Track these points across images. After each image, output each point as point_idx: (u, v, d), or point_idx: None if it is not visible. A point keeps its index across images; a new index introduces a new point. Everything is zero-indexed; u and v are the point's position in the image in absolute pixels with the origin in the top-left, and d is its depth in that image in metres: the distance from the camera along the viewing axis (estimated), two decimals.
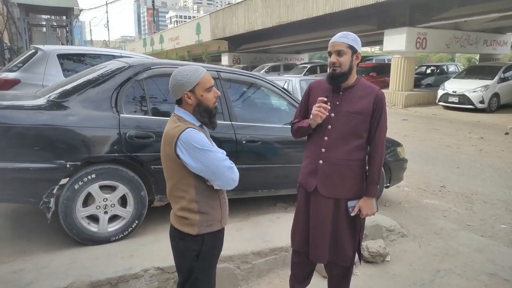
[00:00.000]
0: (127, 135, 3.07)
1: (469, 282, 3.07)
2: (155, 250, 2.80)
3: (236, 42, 25.56)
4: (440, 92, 14.14)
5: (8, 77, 5.40)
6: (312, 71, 18.64)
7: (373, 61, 22.83)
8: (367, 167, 2.23)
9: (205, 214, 1.78)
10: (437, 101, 14.31)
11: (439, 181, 5.84)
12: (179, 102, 1.80)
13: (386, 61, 21.18)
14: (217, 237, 1.87)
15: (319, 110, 2.08)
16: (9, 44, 14.79)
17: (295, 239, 2.37)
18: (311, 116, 2.15)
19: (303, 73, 18.04)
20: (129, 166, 3.15)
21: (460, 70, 18.50)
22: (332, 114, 2.15)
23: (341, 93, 2.17)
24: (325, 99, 2.10)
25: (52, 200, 2.90)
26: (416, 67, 18.97)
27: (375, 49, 47.20)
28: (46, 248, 3.00)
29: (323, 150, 2.18)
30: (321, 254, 2.23)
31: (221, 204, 1.86)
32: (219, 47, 27.61)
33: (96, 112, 3.04)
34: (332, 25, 16.58)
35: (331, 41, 2.14)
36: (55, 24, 15.19)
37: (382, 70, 18.34)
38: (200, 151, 1.67)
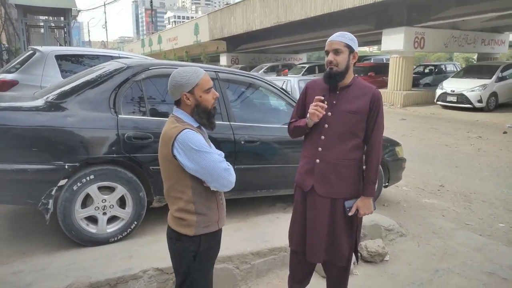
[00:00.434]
0: (126, 136, 3.07)
1: (468, 281, 3.08)
2: (154, 251, 2.80)
3: (234, 43, 25.56)
4: (438, 92, 14.16)
5: (6, 78, 5.39)
6: (310, 71, 18.65)
7: (372, 61, 22.84)
8: (364, 167, 2.24)
9: (202, 215, 1.78)
10: (435, 100, 14.33)
11: (437, 181, 5.85)
12: (178, 103, 1.80)
13: (385, 61, 21.19)
14: (214, 238, 1.87)
15: (316, 109, 2.09)
16: (7, 45, 14.75)
17: (292, 239, 2.37)
18: (308, 115, 2.15)
19: (302, 73, 18.05)
20: (127, 167, 3.15)
21: (458, 70, 18.52)
22: (329, 113, 2.15)
23: (338, 92, 2.18)
24: (322, 97, 2.11)
25: (51, 201, 2.90)
26: (414, 67, 19.01)
27: (373, 49, 47.26)
28: (45, 249, 2.99)
29: (320, 149, 2.18)
30: (317, 253, 2.23)
31: (218, 205, 1.86)
32: (218, 48, 27.61)
33: (95, 113, 3.04)
34: (330, 25, 16.59)
35: (328, 40, 2.15)
36: (53, 25, 15.15)
37: (380, 69, 18.35)
38: (197, 152, 1.67)
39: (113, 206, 3.11)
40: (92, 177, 2.98)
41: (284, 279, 2.82)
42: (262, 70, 21.12)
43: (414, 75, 17.21)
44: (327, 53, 2.14)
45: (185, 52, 29.81)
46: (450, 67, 20.84)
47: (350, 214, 2.18)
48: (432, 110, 13.86)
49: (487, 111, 13.04)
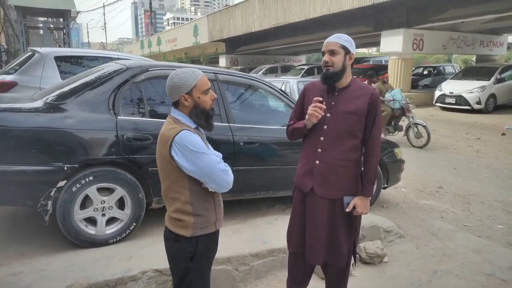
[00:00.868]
0: (125, 137, 3.07)
1: (466, 283, 3.08)
2: (153, 252, 2.80)
3: (233, 44, 25.59)
4: (437, 93, 14.19)
5: (5, 79, 5.39)
6: (309, 72, 18.66)
7: (370, 63, 22.88)
8: (362, 168, 2.25)
9: (200, 216, 1.78)
10: (434, 102, 14.36)
11: (436, 182, 5.86)
12: (176, 104, 1.80)
13: (383, 63, 21.22)
14: (212, 239, 1.87)
15: (315, 110, 2.11)
16: (6, 47, 14.75)
17: (291, 240, 2.37)
18: (306, 116, 2.17)
19: (301, 74, 18.07)
20: (126, 168, 3.15)
21: (457, 71, 18.56)
22: (328, 114, 2.17)
23: (336, 93, 2.20)
24: (321, 98, 2.13)
25: (50, 202, 2.90)
26: (413, 68, 19.03)
27: (372, 51, 47.35)
28: (44, 251, 2.99)
29: (319, 150, 2.19)
30: (317, 255, 2.24)
31: (216, 207, 1.86)
32: (217, 49, 27.63)
33: (94, 115, 3.04)
34: (329, 27, 16.62)
35: (325, 41, 2.20)
36: (52, 26, 15.15)
37: (379, 71, 18.35)
38: (194, 153, 1.67)
39: (112, 207, 3.11)
40: (91, 178, 2.98)
41: (283, 281, 2.82)
42: (261, 71, 21.13)
43: (412, 76, 17.26)
44: (324, 54, 2.18)
45: (184, 54, 29.84)
46: (448, 69, 20.87)
47: (347, 210, 2.19)
48: (431, 112, 13.88)
49: (486, 113, 13.07)
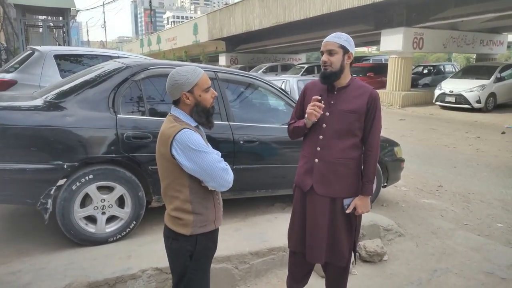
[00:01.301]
0: (125, 135, 3.07)
1: (466, 281, 3.08)
2: (153, 251, 2.80)
3: (233, 43, 25.56)
4: (437, 92, 14.19)
5: (4, 78, 5.38)
6: (309, 71, 18.66)
7: (370, 61, 22.88)
8: (362, 166, 2.25)
9: (199, 215, 1.78)
10: (434, 101, 14.35)
11: (436, 181, 5.86)
12: (176, 102, 1.80)
13: (383, 61, 21.23)
14: (211, 237, 1.87)
15: (314, 109, 2.12)
16: (5, 45, 14.73)
17: (292, 239, 2.38)
18: (306, 115, 2.17)
19: (301, 73, 18.06)
20: (126, 167, 3.15)
21: (457, 70, 18.56)
22: (327, 113, 2.18)
23: (335, 92, 2.20)
24: (319, 98, 2.13)
25: (50, 201, 2.90)
26: (413, 67, 19.02)
27: (372, 49, 47.30)
28: (43, 249, 2.99)
29: (318, 148, 2.20)
30: (318, 254, 2.24)
31: (215, 205, 1.86)
32: (217, 48, 27.61)
33: (94, 113, 3.04)
34: (329, 26, 16.60)
35: (323, 41, 2.20)
36: (52, 24, 15.14)
37: (379, 70, 18.37)
38: (195, 152, 1.67)
39: (112, 205, 3.11)
40: (91, 176, 2.98)
41: (283, 279, 2.82)
42: (261, 70, 21.12)
43: (413, 75, 17.23)
44: (322, 53, 2.19)
45: (184, 52, 29.81)
46: (448, 68, 20.87)
47: (348, 211, 2.19)
48: (431, 111, 13.88)
49: (486, 112, 13.07)
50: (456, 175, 6.21)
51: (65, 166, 2.88)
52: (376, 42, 21.19)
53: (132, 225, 3.20)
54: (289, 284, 2.48)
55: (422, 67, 21.85)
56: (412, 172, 6.19)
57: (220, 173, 1.71)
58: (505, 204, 4.95)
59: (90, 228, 3.05)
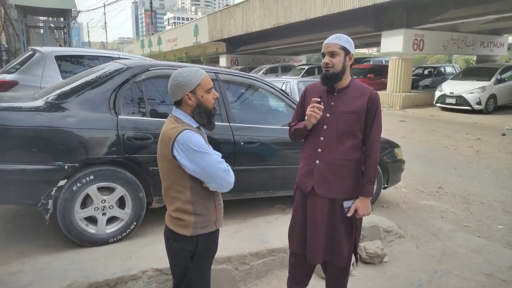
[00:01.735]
0: (125, 136, 3.08)
1: (466, 283, 3.08)
2: (154, 252, 2.80)
3: (234, 44, 25.58)
4: (438, 94, 14.19)
5: (5, 78, 5.39)
6: (310, 72, 18.67)
7: (371, 63, 22.88)
8: (364, 169, 2.25)
9: (200, 216, 1.79)
10: (434, 102, 14.36)
11: (436, 182, 5.86)
12: (178, 103, 1.81)
13: (384, 63, 21.23)
14: (212, 238, 1.88)
15: (313, 110, 2.12)
16: (6, 46, 14.76)
17: (292, 241, 2.38)
18: (306, 117, 2.17)
19: (301, 74, 18.07)
20: (127, 168, 3.15)
21: (457, 72, 18.57)
22: (328, 115, 2.18)
23: (335, 94, 2.21)
24: (319, 99, 2.14)
25: (50, 201, 2.90)
26: (414, 69, 19.03)
27: (372, 51, 47.35)
28: (44, 250, 2.99)
29: (319, 150, 2.20)
30: (318, 255, 2.24)
31: (216, 206, 1.87)
32: (217, 49, 27.63)
33: (94, 114, 3.04)
34: (329, 27, 16.61)
35: (324, 43, 2.20)
36: (53, 25, 15.16)
37: (379, 71, 18.38)
38: (196, 153, 1.67)
39: (112, 206, 3.11)
40: (91, 177, 2.98)
41: (283, 280, 2.82)
42: (262, 71, 21.14)
43: (413, 77, 17.23)
44: (324, 55, 2.19)
45: (185, 53, 29.84)
46: (449, 69, 20.87)
47: (349, 215, 2.19)
48: (431, 112, 13.88)
49: (486, 113, 13.07)
50: (456, 176, 6.21)
51: (66, 167, 2.89)
52: (377, 44, 21.23)
53: (133, 226, 3.20)
54: (289, 285, 2.48)
55: (423, 68, 21.85)
56: (413, 173, 6.19)
57: (221, 174, 1.72)
58: (506, 205, 4.95)
59: (91, 229, 3.05)
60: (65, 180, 2.95)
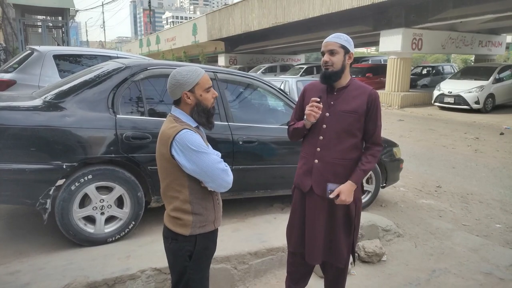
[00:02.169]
0: (124, 136, 3.07)
1: (464, 281, 3.09)
2: (152, 251, 2.80)
3: (232, 43, 25.57)
4: (436, 93, 14.21)
5: (3, 78, 5.38)
6: (308, 72, 18.68)
7: (369, 62, 22.89)
8: (362, 158, 2.22)
9: (199, 215, 1.79)
10: (432, 101, 14.37)
11: (435, 181, 5.87)
12: (177, 102, 1.80)
13: (382, 62, 21.25)
14: (210, 238, 1.88)
15: (312, 109, 2.12)
16: (4, 45, 14.72)
17: (291, 240, 2.38)
18: (305, 117, 2.17)
19: (300, 74, 18.07)
20: (125, 167, 3.15)
21: (456, 71, 18.59)
22: (327, 114, 2.18)
23: (335, 93, 2.21)
24: (318, 99, 2.14)
25: (49, 201, 2.90)
26: (412, 68, 19.05)
27: (371, 50, 47.37)
28: (42, 249, 2.99)
29: (318, 149, 2.20)
30: (316, 255, 2.24)
31: (215, 205, 1.87)
32: (216, 48, 27.61)
33: (93, 113, 3.04)
34: (328, 26, 16.62)
35: (324, 41, 2.20)
36: (51, 24, 15.14)
37: (378, 70, 18.40)
38: (195, 152, 1.67)
39: (111, 206, 3.11)
40: (90, 177, 2.98)
41: (281, 279, 2.82)
42: (260, 70, 21.13)
43: (411, 76, 17.26)
44: (323, 53, 2.19)
45: (183, 53, 29.81)
46: (447, 69, 20.90)
47: (330, 196, 2.14)
48: (430, 111, 13.90)
49: (484, 113, 13.10)
50: (454, 175, 6.23)
51: (64, 166, 2.88)
52: (375, 43, 21.21)
53: (131, 225, 3.20)
54: (287, 285, 2.48)
55: (421, 68, 21.87)
56: (411, 172, 6.20)
57: (219, 174, 1.71)
58: (504, 204, 4.96)
59: (89, 228, 3.05)
60: (63, 180, 2.94)
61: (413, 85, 17.72)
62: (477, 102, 13.08)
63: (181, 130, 1.69)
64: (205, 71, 1.85)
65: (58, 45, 13.70)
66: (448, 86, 14.03)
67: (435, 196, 5.26)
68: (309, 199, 2.24)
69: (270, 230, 3.35)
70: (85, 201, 3.04)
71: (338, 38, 2.16)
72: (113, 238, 3.12)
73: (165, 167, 1.76)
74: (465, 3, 12.80)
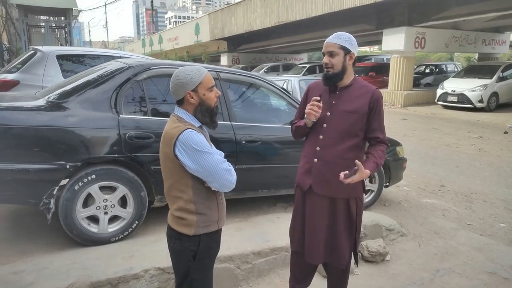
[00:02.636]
0: (127, 135, 3.08)
1: (468, 281, 3.08)
2: (156, 251, 2.80)
3: (235, 42, 25.57)
4: (439, 92, 14.16)
5: (7, 78, 5.40)
6: (311, 71, 18.64)
7: (372, 61, 22.84)
8: (369, 151, 2.20)
9: (202, 215, 1.78)
10: (436, 100, 14.33)
11: (438, 180, 5.85)
12: (180, 102, 1.80)
13: (385, 61, 21.18)
14: (214, 238, 1.88)
15: (312, 108, 2.11)
16: (8, 45, 14.79)
17: (294, 239, 2.37)
18: (305, 115, 2.17)
19: (302, 73, 18.05)
20: (129, 167, 3.15)
21: (459, 70, 18.52)
22: (328, 113, 2.17)
23: (337, 92, 2.19)
24: (318, 98, 2.13)
25: (52, 201, 2.91)
26: (415, 67, 19.00)
27: (374, 49, 47.23)
28: (46, 249, 3.00)
29: (318, 148, 2.20)
30: (316, 254, 2.23)
31: (219, 205, 1.86)
32: (218, 47, 27.62)
33: (96, 113, 3.04)
34: (331, 25, 16.59)
35: (325, 42, 2.18)
36: (54, 25, 15.17)
37: (381, 69, 18.35)
38: (198, 152, 1.67)
39: (114, 205, 3.11)
40: (93, 176, 2.98)
41: (285, 279, 2.82)
42: (263, 70, 21.12)
43: (414, 75, 17.20)
44: (324, 54, 2.17)
45: (186, 52, 29.83)
46: (450, 67, 20.82)
47: (345, 180, 2.03)
48: (433, 110, 13.85)
49: (488, 111, 13.04)
50: (458, 174, 6.20)
51: (68, 166, 2.89)
52: (378, 42, 21.21)
53: (135, 225, 3.20)
54: (291, 284, 2.48)
55: (424, 66, 21.82)
56: (414, 171, 6.18)
57: (223, 174, 1.71)
58: (508, 203, 4.94)
59: (93, 228, 3.06)
60: (67, 180, 2.95)
61: (416, 84, 17.68)
62: (480, 101, 13.03)
63: (184, 130, 1.69)
64: (208, 70, 1.85)
65: (61, 45, 13.75)
66: (451, 85, 13.98)
67: (438, 195, 5.24)
68: (309, 198, 2.23)
69: (273, 230, 3.35)
70: (88, 201, 3.04)
71: (338, 38, 2.13)
72: (117, 238, 3.12)
73: (169, 167, 1.76)
74: (469, 1, 12.75)
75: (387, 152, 4.37)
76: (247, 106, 4.07)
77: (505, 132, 9.73)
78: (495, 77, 13.38)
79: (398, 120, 11.89)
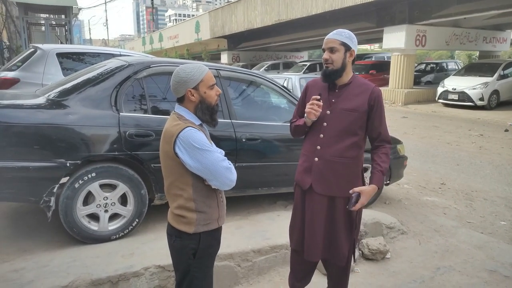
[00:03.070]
0: (127, 133, 3.07)
1: (469, 279, 3.08)
2: (156, 248, 2.80)
3: (235, 40, 25.54)
4: (440, 90, 14.14)
5: (7, 76, 5.40)
6: (311, 69, 18.64)
7: (373, 59, 22.81)
8: (373, 159, 2.20)
9: (202, 213, 1.78)
10: (436, 98, 14.31)
11: (439, 178, 5.84)
12: (181, 100, 1.80)
13: (386, 59, 21.16)
14: (214, 236, 1.88)
15: (312, 107, 2.11)
16: (8, 43, 14.78)
17: (293, 237, 2.37)
18: (305, 114, 2.16)
19: (303, 71, 18.03)
20: (129, 165, 3.15)
21: (460, 68, 18.49)
22: (328, 112, 2.16)
23: (337, 90, 2.19)
24: (318, 97, 2.12)
25: (53, 199, 2.91)
26: (416, 65, 18.97)
27: (374, 47, 47.19)
28: (46, 247, 3.00)
29: (318, 147, 2.19)
30: (315, 251, 2.23)
31: (219, 203, 1.86)
32: (219, 45, 27.58)
33: (96, 111, 3.04)
34: (331, 23, 16.56)
35: (325, 38, 2.17)
36: (54, 23, 15.14)
37: (381, 67, 18.32)
38: (198, 150, 1.67)
39: (114, 203, 3.11)
40: (93, 174, 2.98)
41: (285, 277, 2.82)
42: (263, 68, 21.11)
43: (415, 73, 17.18)
44: (324, 50, 2.16)
45: (186, 50, 29.82)
46: (451, 65, 20.79)
47: (352, 209, 2.09)
48: (434, 108, 13.84)
49: (489, 109, 13.03)
50: (459, 172, 6.20)
51: (68, 164, 2.89)
52: (379, 40, 21.14)
53: (135, 223, 3.20)
54: (291, 282, 2.48)
55: (425, 64, 21.78)
56: (415, 169, 6.17)
57: (223, 172, 1.71)
58: (509, 201, 4.94)
59: (93, 226, 3.06)
60: (67, 177, 2.95)
61: (417, 82, 17.65)
62: (481, 99, 13.01)
63: (184, 128, 1.68)
64: (208, 68, 1.84)
65: (61, 43, 13.72)
66: (452, 83, 13.95)
67: (439, 193, 5.24)
68: (309, 197, 2.23)
69: (273, 227, 3.35)
70: (88, 198, 3.04)
71: (339, 35, 2.13)
72: (117, 236, 3.12)
73: (169, 165, 1.76)
74: None
75: None
76: (248, 104, 4.06)
77: (506, 130, 9.72)
78: (496, 75, 13.36)
79: (398, 118, 11.88)
